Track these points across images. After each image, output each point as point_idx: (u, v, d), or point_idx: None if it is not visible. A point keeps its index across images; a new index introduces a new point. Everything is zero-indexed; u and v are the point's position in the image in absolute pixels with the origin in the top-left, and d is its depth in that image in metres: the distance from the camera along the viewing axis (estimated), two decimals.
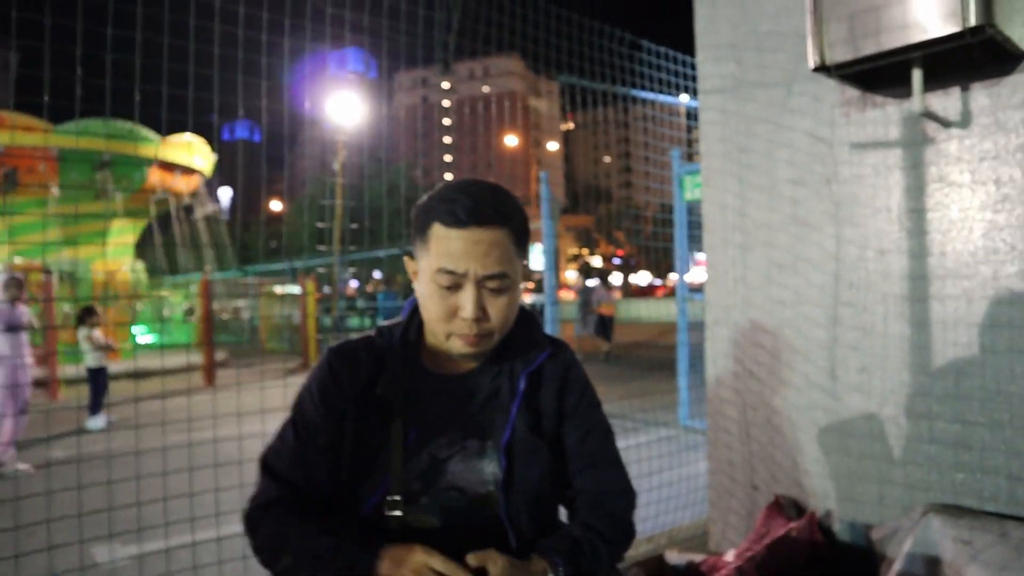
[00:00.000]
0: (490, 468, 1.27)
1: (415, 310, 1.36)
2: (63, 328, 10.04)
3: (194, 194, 15.63)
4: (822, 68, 2.14)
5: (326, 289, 16.12)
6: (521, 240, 1.27)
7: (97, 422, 7.19)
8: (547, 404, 1.34)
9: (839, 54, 2.09)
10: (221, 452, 2.57)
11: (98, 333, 7.51)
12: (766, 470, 2.72)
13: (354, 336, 1.37)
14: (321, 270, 15.67)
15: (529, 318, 1.40)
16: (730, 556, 2.59)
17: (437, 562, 1.09)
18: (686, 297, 6.45)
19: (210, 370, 10.95)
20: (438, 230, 1.22)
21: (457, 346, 1.24)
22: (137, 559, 2.35)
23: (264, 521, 1.23)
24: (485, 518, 1.27)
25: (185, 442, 2.64)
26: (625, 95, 4.77)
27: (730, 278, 2.81)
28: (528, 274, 1.57)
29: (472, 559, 1.13)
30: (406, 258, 1.33)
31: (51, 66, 2.43)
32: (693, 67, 4.26)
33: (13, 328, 5.63)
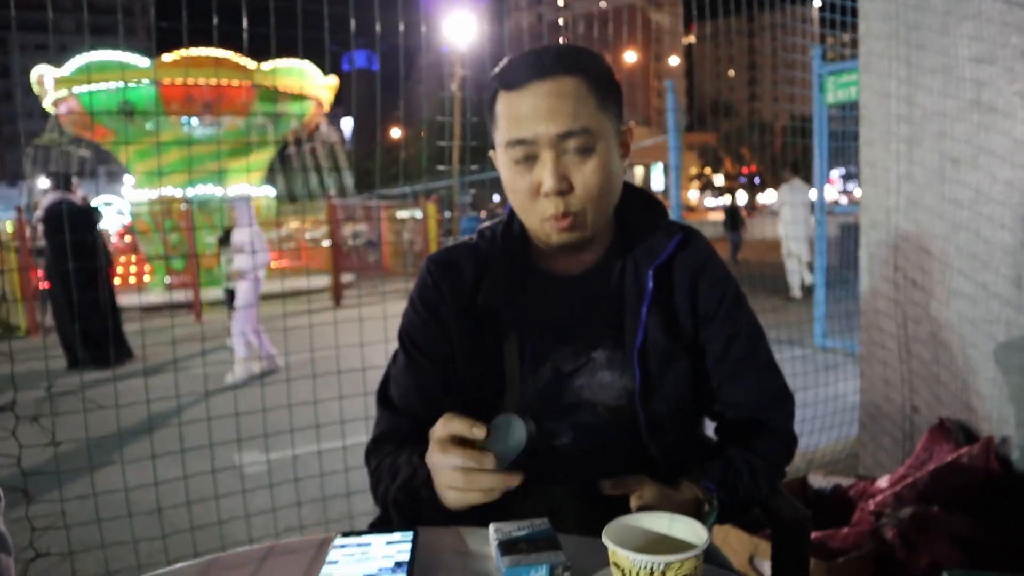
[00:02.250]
0: (623, 379, 1.11)
1: None
2: (203, 255, 10.64)
3: (316, 124, 16.02)
4: None
5: (447, 214, 16.28)
6: (603, 91, 1.04)
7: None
8: (681, 302, 1.14)
9: None
10: (344, 362, 2.58)
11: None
12: (928, 390, 2.44)
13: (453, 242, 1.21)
14: (444, 190, 15.82)
15: (651, 201, 1.19)
16: (883, 482, 2.36)
17: (455, 426, 0.86)
18: (824, 209, 5.97)
19: (338, 291, 11.39)
20: (501, 100, 1.04)
21: (550, 233, 1.05)
22: (266, 464, 2.40)
23: (372, 455, 1.12)
24: (622, 435, 1.12)
25: (313, 357, 2.66)
26: None
27: (892, 176, 2.48)
28: (627, 139, 1.29)
29: (613, 486, 0.99)
30: (491, 153, 1.13)
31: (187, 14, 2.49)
32: None
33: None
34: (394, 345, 1.19)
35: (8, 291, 8.70)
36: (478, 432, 0.83)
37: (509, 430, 0.87)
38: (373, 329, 2.51)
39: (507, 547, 0.76)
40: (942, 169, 2.32)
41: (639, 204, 1.18)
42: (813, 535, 2.21)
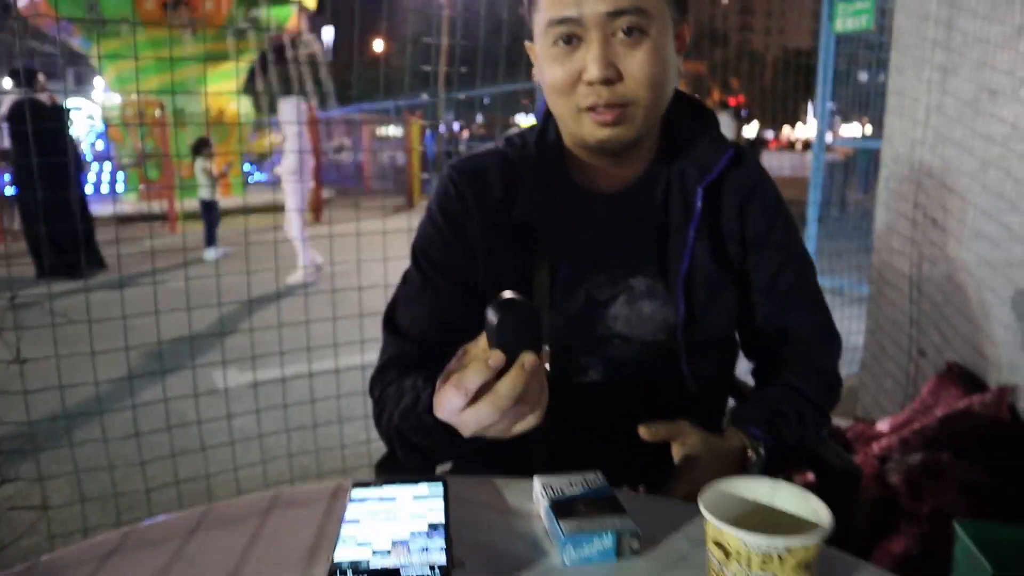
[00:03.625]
0: (663, 311, 1.00)
1: (549, 111, 1.03)
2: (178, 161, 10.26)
3: (298, 31, 15.32)
4: None
5: (428, 132, 15.85)
6: None
7: (213, 253, 7.42)
8: (729, 226, 1.03)
9: None
10: (337, 283, 2.44)
11: (212, 165, 7.60)
12: (938, 333, 2.37)
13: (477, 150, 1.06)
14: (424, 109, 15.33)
15: (701, 108, 1.06)
16: (884, 425, 2.31)
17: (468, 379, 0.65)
18: (823, 143, 5.82)
19: (318, 207, 11.11)
20: None
21: (588, 127, 0.92)
22: (252, 387, 2.28)
23: (376, 384, 0.99)
24: (657, 370, 1.01)
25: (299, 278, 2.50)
26: None
27: (921, 106, 2.34)
28: (683, 34, 0.98)
29: (653, 433, 0.88)
30: (527, 44, 1.00)
31: None
32: None
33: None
34: (395, 266, 1.05)
35: None
36: (494, 363, 0.64)
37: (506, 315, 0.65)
38: (346, 247, 2.36)
39: (562, 509, 0.65)
40: (977, 101, 2.18)
41: (688, 111, 1.04)
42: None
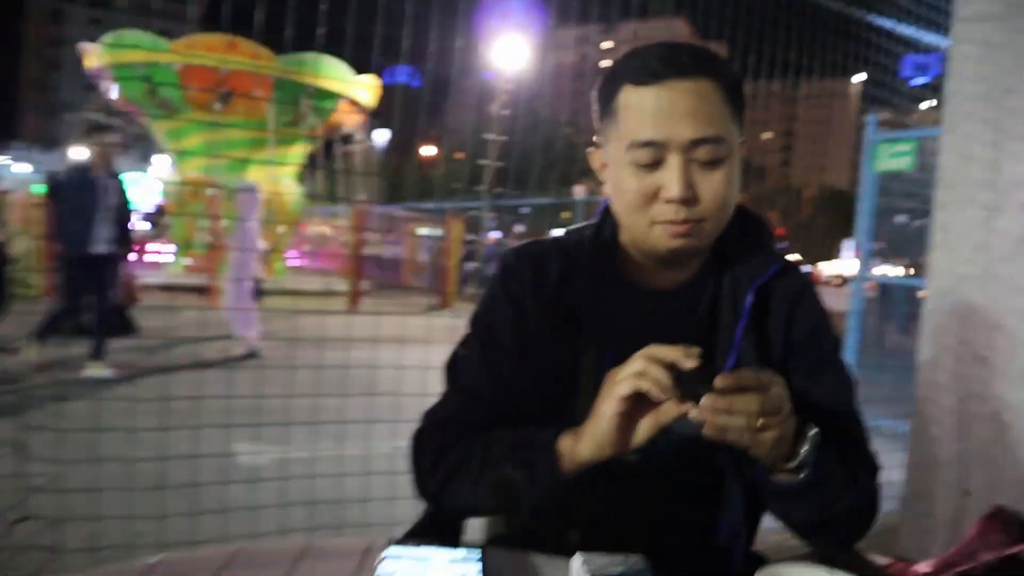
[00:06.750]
0: None
1: (608, 209, 1.09)
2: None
3: (356, 129, 16.04)
4: None
5: (468, 237, 16.23)
6: (736, 101, 0.97)
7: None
8: (776, 330, 1.05)
9: None
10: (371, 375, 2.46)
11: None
12: (985, 474, 2.28)
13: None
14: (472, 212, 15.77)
15: (756, 220, 1.10)
16: (924, 566, 2.18)
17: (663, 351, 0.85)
18: (865, 277, 5.82)
19: (356, 296, 11.32)
20: (627, 94, 0.96)
21: (660, 238, 0.97)
22: (280, 461, 2.24)
23: (430, 438, 1.01)
24: (697, 462, 1.01)
25: (336, 359, 2.55)
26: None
27: (968, 243, 2.34)
28: (746, 159, 1.05)
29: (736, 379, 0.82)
30: (590, 150, 1.07)
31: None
32: None
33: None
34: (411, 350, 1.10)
35: (27, 255, 8.60)
36: (689, 361, 0.81)
37: None
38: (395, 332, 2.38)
39: None
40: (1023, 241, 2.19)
41: (741, 220, 1.08)
42: None
